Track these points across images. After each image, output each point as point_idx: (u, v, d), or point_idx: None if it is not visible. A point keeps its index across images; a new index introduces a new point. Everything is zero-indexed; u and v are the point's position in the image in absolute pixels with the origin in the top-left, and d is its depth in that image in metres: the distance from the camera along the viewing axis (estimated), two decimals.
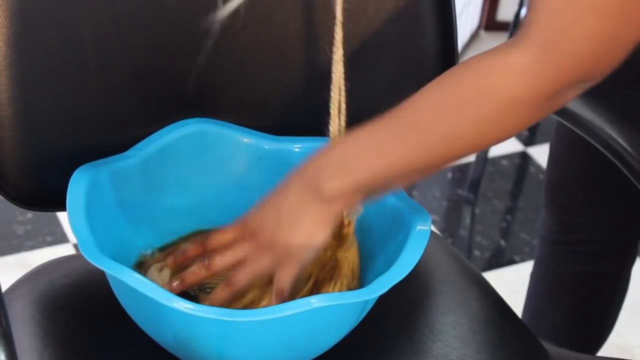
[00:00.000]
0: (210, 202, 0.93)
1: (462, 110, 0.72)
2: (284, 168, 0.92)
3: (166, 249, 0.91)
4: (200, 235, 0.92)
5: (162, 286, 0.76)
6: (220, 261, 0.80)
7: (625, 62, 1.05)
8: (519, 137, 2.20)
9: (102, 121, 0.88)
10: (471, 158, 2.03)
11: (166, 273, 0.86)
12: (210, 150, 0.92)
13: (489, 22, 2.60)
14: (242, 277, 0.79)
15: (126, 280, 0.73)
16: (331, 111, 0.84)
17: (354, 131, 0.77)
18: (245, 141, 0.92)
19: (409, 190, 1.98)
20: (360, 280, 0.87)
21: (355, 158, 0.75)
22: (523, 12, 1.89)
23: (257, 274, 0.79)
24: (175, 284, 0.81)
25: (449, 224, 1.95)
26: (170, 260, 0.84)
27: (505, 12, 2.56)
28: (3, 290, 0.88)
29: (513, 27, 1.92)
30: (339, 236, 0.83)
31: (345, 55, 0.87)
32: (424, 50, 0.95)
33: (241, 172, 0.93)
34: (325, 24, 0.88)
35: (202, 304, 0.78)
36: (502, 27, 2.55)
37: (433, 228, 0.94)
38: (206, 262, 0.80)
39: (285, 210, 0.77)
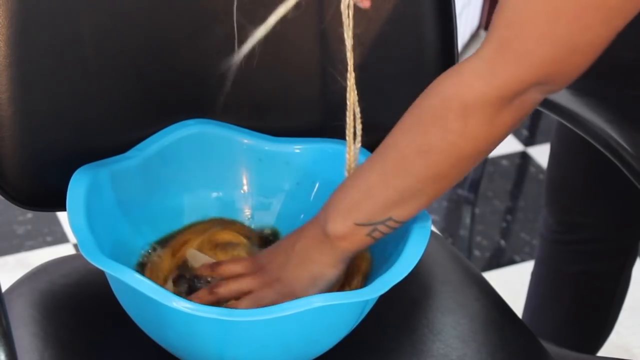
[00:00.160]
0: (211, 204, 0.93)
1: (427, 122, 0.72)
2: (284, 169, 0.92)
3: (166, 242, 0.90)
4: (199, 225, 0.92)
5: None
6: (225, 290, 0.82)
7: (625, 62, 1.05)
8: (519, 137, 2.20)
9: (102, 122, 0.88)
10: None
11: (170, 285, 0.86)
12: (210, 151, 0.92)
13: (489, 22, 2.60)
14: (243, 307, 0.81)
15: (126, 280, 0.73)
16: (347, 138, 0.85)
17: (355, 170, 0.80)
18: (246, 142, 0.92)
19: None
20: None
21: (350, 197, 0.77)
22: None
23: (258, 306, 0.80)
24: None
25: (449, 224, 1.95)
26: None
27: None
28: (3, 290, 0.88)
29: None
30: None
31: (344, 55, 0.86)
32: (424, 50, 0.95)
33: (241, 173, 0.93)
34: (326, 26, 0.88)
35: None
36: None
37: (433, 228, 0.94)
38: (212, 288, 0.82)
39: (296, 250, 0.80)
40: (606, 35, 0.67)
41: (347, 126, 0.84)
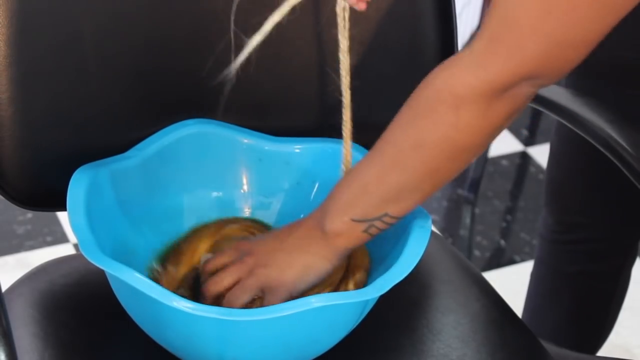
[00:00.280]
0: (211, 203, 0.93)
1: (420, 116, 0.73)
2: (284, 169, 0.92)
3: (172, 254, 0.91)
4: (202, 229, 0.92)
5: None
6: (214, 287, 0.82)
7: (625, 62, 1.05)
8: (519, 137, 2.20)
9: (102, 121, 0.88)
10: None
11: None
12: (210, 151, 0.92)
13: None
14: (235, 302, 0.80)
15: (126, 279, 0.73)
16: (343, 134, 0.85)
17: (352, 168, 0.80)
18: (246, 142, 0.92)
19: None
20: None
21: (347, 194, 0.78)
22: None
23: (248, 297, 0.80)
24: None
25: (449, 224, 1.95)
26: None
27: None
28: (3, 290, 0.88)
29: None
30: None
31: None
32: (424, 50, 0.95)
33: (241, 172, 0.93)
34: (325, 27, 0.88)
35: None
36: None
37: (433, 228, 0.94)
38: (204, 289, 0.82)
39: (290, 239, 0.80)
40: (599, 30, 0.67)
41: (344, 124, 0.84)
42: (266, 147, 0.92)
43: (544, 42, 0.67)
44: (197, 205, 0.92)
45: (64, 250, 1.76)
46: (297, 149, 0.92)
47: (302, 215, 0.90)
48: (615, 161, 0.94)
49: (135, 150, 0.89)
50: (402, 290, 0.82)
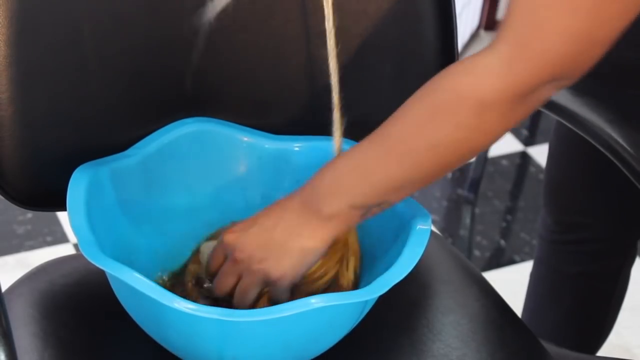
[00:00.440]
0: (211, 201, 0.93)
1: (440, 118, 0.72)
2: (284, 167, 0.92)
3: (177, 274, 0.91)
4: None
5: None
6: (220, 290, 0.82)
7: (625, 62, 1.05)
8: (519, 137, 2.20)
9: (102, 120, 0.88)
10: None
11: None
12: (210, 149, 0.92)
13: (489, 22, 2.60)
14: (245, 300, 0.81)
15: (127, 279, 0.73)
16: (333, 105, 0.85)
17: (346, 152, 0.78)
18: (245, 140, 0.92)
19: None
20: (360, 278, 0.87)
21: (347, 179, 0.77)
22: None
23: (253, 293, 0.80)
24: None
25: (449, 224, 1.95)
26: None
27: None
28: (3, 290, 0.88)
29: None
30: None
31: (345, 55, 0.87)
32: (424, 50, 0.95)
33: (241, 171, 0.93)
34: (325, 24, 0.88)
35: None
36: None
37: (433, 228, 0.94)
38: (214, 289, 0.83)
39: (280, 229, 0.79)
40: (622, 26, 0.67)
41: (334, 106, 0.85)
42: (266, 146, 0.92)
43: (571, 43, 0.67)
44: (197, 203, 0.93)
45: (64, 250, 1.76)
46: (297, 147, 0.92)
47: None
48: (615, 161, 0.94)
49: (135, 149, 0.89)
50: (402, 290, 0.82)
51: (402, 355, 0.88)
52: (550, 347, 0.94)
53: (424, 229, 0.81)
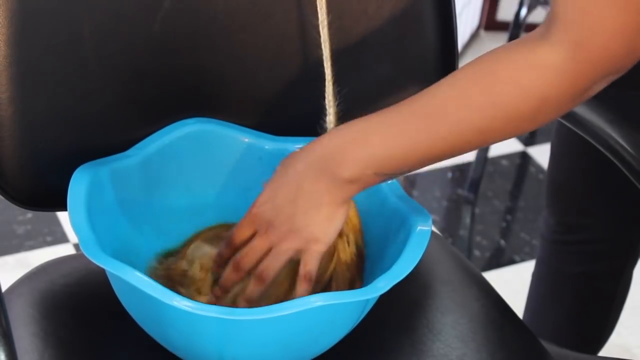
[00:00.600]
0: (211, 202, 0.93)
1: (497, 106, 0.72)
2: None
3: (170, 256, 0.91)
4: (207, 231, 0.92)
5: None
6: (248, 262, 0.81)
7: None
8: (519, 137, 2.20)
9: (102, 121, 0.88)
10: (471, 158, 2.03)
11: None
12: (210, 150, 0.92)
13: (489, 22, 2.60)
14: (270, 270, 0.80)
15: (127, 278, 0.73)
16: (326, 109, 0.85)
17: (374, 120, 0.77)
18: (246, 141, 0.92)
19: (409, 190, 1.98)
20: (362, 278, 0.87)
21: (378, 147, 0.76)
22: (523, 12, 1.89)
23: (283, 263, 0.80)
24: (215, 290, 0.84)
25: (449, 224, 1.95)
26: (213, 268, 0.86)
27: (505, 12, 2.56)
28: (3, 290, 0.88)
29: (513, 27, 1.92)
30: None
31: (345, 55, 0.87)
32: (424, 50, 0.95)
33: (241, 171, 0.93)
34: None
35: (232, 305, 0.81)
36: (502, 27, 2.55)
37: (433, 228, 0.94)
38: (234, 266, 0.82)
39: (301, 195, 0.78)
40: None
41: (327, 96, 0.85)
42: (266, 147, 0.92)
43: (627, 40, 0.68)
44: (197, 204, 0.93)
45: (64, 250, 1.76)
46: (297, 148, 0.92)
47: None
48: (615, 161, 0.94)
49: (136, 149, 0.89)
50: (402, 290, 0.82)
51: (402, 355, 0.88)
52: (550, 347, 0.94)
53: (425, 229, 0.81)
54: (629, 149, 0.92)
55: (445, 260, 1.00)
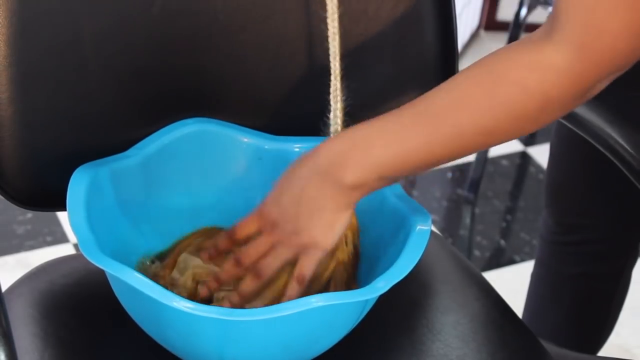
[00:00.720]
0: (211, 202, 0.93)
1: (500, 107, 0.72)
2: (284, 167, 0.92)
3: (166, 255, 0.90)
4: (198, 233, 0.92)
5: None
6: (249, 257, 0.81)
7: None
8: (519, 137, 2.20)
9: (102, 121, 0.88)
10: (471, 158, 2.03)
11: (189, 276, 0.86)
12: (210, 150, 0.92)
13: (489, 22, 2.60)
14: (269, 268, 0.80)
15: (126, 279, 0.73)
16: (331, 105, 0.85)
17: (370, 121, 0.77)
18: (246, 141, 0.92)
19: (409, 190, 1.98)
20: (358, 280, 0.87)
21: (380, 150, 0.75)
22: (523, 12, 1.89)
23: (282, 262, 0.80)
24: (210, 283, 0.84)
25: (449, 224, 1.95)
26: (204, 256, 0.86)
27: (505, 12, 2.56)
28: (3, 290, 0.88)
29: (513, 27, 1.92)
30: None
31: (345, 55, 0.87)
32: (424, 50, 0.95)
33: (241, 171, 0.93)
34: (325, 24, 0.88)
35: (223, 304, 0.81)
36: (502, 27, 2.55)
37: (433, 228, 0.94)
38: (236, 260, 0.82)
39: (305, 200, 0.78)
40: None
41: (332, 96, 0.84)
42: (266, 146, 0.92)
43: (633, 38, 0.68)
44: (197, 204, 0.93)
45: (64, 250, 1.76)
46: (297, 147, 0.92)
47: None
48: (615, 161, 0.94)
49: (135, 150, 0.89)
50: (402, 290, 0.82)
51: (402, 355, 0.88)
52: (550, 347, 0.94)
53: (424, 229, 0.81)
54: (629, 149, 0.92)
55: (445, 260, 1.00)
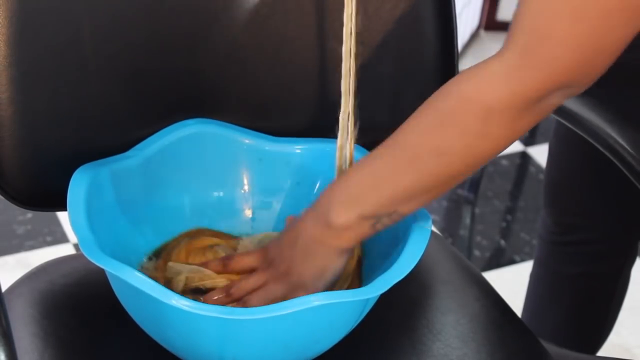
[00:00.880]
0: (211, 203, 0.93)
1: (446, 124, 0.72)
2: (285, 169, 0.93)
3: (162, 251, 0.90)
4: (184, 235, 0.92)
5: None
6: (240, 291, 0.82)
7: (624, 62, 1.05)
8: (519, 137, 2.20)
9: (102, 121, 0.88)
10: None
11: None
12: (210, 151, 0.92)
13: (489, 22, 2.60)
14: (257, 303, 0.81)
15: (126, 278, 0.73)
16: (339, 128, 0.85)
17: (357, 163, 0.79)
18: (246, 142, 0.92)
19: None
20: (361, 279, 0.88)
21: (357, 188, 0.77)
22: None
23: (271, 300, 0.81)
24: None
25: (449, 224, 1.95)
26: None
27: (505, 12, 2.56)
28: (3, 290, 0.88)
29: None
30: None
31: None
32: (424, 50, 0.95)
33: (242, 172, 0.93)
34: (326, 25, 0.88)
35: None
36: (502, 27, 2.55)
37: (433, 228, 0.94)
38: (227, 290, 0.83)
39: (300, 243, 0.80)
40: (630, 34, 0.67)
41: (341, 115, 0.84)
42: (267, 147, 0.92)
43: (577, 51, 0.67)
44: (198, 205, 0.93)
45: (64, 250, 1.76)
46: (298, 149, 0.92)
47: None
48: (615, 161, 0.94)
49: (136, 150, 0.89)
50: (402, 290, 0.82)
51: (402, 355, 0.88)
52: (550, 347, 0.94)
53: (424, 229, 0.81)
54: (629, 149, 0.92)
55: (445, 260, 1.00)
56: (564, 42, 0.66)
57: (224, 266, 0.85)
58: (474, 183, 2.00)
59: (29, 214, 1.83)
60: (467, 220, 1.95)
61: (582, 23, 0.65)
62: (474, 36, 2.55)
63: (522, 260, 1.86)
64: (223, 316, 0.72)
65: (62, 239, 1.79)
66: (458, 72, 0.77)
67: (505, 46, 0.69)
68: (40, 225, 1.81)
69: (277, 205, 0.94)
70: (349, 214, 0.77)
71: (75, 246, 1.77)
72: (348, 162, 0.86)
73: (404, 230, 0.82)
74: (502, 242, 1.91)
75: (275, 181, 0.93)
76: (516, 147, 2.19)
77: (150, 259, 0.89)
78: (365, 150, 0.88)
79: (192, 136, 0.91)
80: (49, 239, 1.78)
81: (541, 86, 0.68)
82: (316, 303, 0.73)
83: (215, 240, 0.91)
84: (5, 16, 0.81)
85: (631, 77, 1.06)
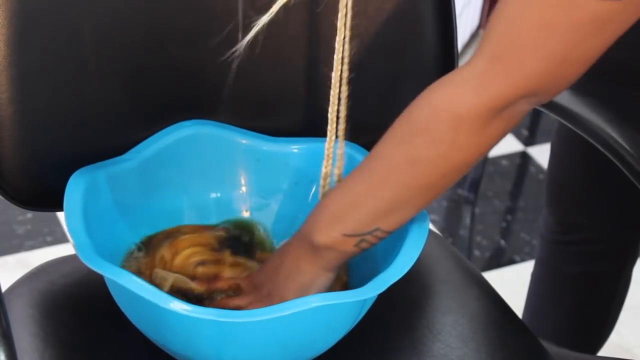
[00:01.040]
0: (209, 204, 0.93)
1: (417, 133, 0.72)
2: (282, 169, 0.92)
3: (150, 242, 0.90)
4: (164, 233, 0.92)
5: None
6: (226, 305, 0.83)
7: (625, 62, 1.05)
8: (519, 137, 2.20)
9: (101, 121, 0.88)
10: None
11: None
12: (208, 152, 0.92)
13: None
14: None
15: (124, 283, 0.73)
16: (329, 128, 0.85)
17: (341, 181, 0.79)
18: (244, 142, 0.92)
19: None
20: (358, 279, 0.87)
21: (339, 207, 0.77)
22: None
23: None
24: None
25: (449, 224, 1.95)
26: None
27: None
28: (3, 290, 0.88)
29: None
30: None
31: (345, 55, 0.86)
32: (424, 50, 0.95)
33: (240, 173, 0.93)
34: (326, 25, 0.88)
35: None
36: None
37: (433, 228, 0.94)
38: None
39: (284, 267, 0.81)
40: (599, 47, 0.67)
41: (329, 117, 0.85)
42: (264, 148, 0.92)
43: (545, 60, 0.67)
44: (196, 206, 0.92)
45: (64, 250, 1.76)
46: (295, 149, 0.92)
47: (300, 216, 0.90)
48: (615, 161, 0.94)
49: (133, 153, 0.89)
50: (402, 290, 0.82)
51: (402, 355, 0.88)
52: (550, 347, 0.94)
53: (422, 228, 0.81)
54: (629, 149, 0.92)
55: (445, 260, 1.00)
56: (532, 51, 0.66)
57: (208, 286, 0.86)
58: (474, 183, 2.00)
59: (29, 214, 1.83)
60: (467, 220, 1.95)
61: (551, 34, 0.65)
62: (474, 36, 2.55)
63: (522, 260, 1.86)
64: (221, 319, 0.72)
65: (62, 239, 1.79)
66: None
67: (476, 53, 0.69)
68: (40, 225, 1.81)
69: (274, 206, 0.94)
70: (331, 232, 0.77)
71: None
72: (337, 165, 0.86)
73: (402, 230, 0.82)
74: (502, 242, 1.91)
75: (273, 181, 0.93)
76: (516, 147, 2.19)
77: (139, 249, 0.89)
78: (363, 149, 0.88)
79: (190, 137, 0.91)
80: (49, 239, 1.78)
81: (508, 93, 0.68)
82: (314, 304, 0.73)
83: (197, 249, 0.90)
84: (5, 16, 0.81)
85: (631, 77, 1.06)
